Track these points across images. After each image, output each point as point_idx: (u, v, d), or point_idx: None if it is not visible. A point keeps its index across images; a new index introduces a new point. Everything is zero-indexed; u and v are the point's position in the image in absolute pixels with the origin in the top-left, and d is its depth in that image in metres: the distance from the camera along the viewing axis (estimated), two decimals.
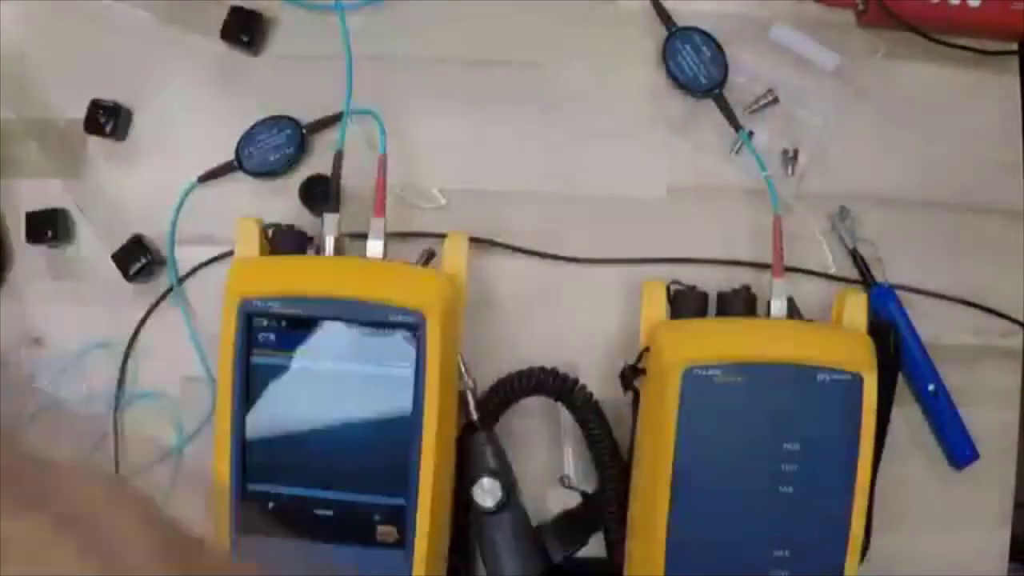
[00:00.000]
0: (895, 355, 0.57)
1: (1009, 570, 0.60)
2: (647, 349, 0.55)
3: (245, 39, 0.61)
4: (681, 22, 0.61)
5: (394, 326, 0.52)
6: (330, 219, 0.56)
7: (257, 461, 0.53)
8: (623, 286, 0.60)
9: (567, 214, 0.61)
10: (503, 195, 0.61)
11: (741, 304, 0.55)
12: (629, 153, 0.61)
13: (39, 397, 0.62)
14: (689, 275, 0.58)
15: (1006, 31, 0.61)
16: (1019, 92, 0.62)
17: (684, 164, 0.61)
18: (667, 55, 0.60)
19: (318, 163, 0.61)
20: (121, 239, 0.61)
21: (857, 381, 0.51)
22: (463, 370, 0.57)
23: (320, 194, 0.60)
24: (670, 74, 0.60)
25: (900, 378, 0.58)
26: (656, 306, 0.56)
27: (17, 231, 0.62)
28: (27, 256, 0.62)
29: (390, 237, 0.56)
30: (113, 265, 0.61)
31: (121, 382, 0.61)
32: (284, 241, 0.56)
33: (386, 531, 0.52)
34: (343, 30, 0.58)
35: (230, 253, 0.59)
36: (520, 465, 0.59)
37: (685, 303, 0.56)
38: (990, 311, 0.60)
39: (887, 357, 0.55)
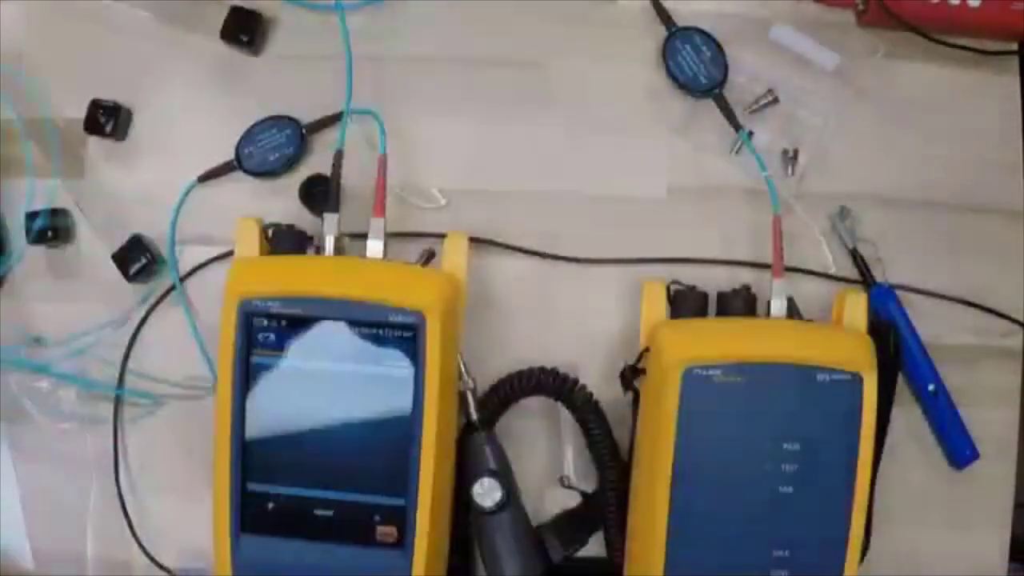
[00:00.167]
0: (895, 355, 0.57)
1: (1009, 570, 0.60)
2: (647, 349, 0.55)
3: (245, 39, 0.61)
4: (681, 22, 0.61)
5: (394, 326, 0.52)
6: (330, 219, 0.56)
7: (257, 461, 0.53)
8: (623, 286, 0.60)
9: (567, 214, 0.61)
10: (503, 195, 0.61)
11: (741, 304, 0.55)
12: (629, 153, 0.61)
13: (39, 397, 0.62)
14: (689, 275, 0.58)
15: (1006, 31, 0.61)
16: (1019, 92, 0.62)
17: (684, 164, 0.61)
18: (667, 55, 0.60)
19: (318, 163, 0.61)
20: (121, 239, 0.61)
21: (857, 381, 0.51)
22: (463, 370, 0.57)
23: (320, 194, 0.60)
24: (670, 74, 0.60)
25: (900, 378, 0.58)
26: (656, 306, 0.56)
27: (17, 231, 0.62)
28: (27, 256, 0.62)
29: (390, 237, 0.56)
30: (113, 265, 0.61)
31: (121, 382, 0.61)
32: (284, 241, 0.56)
33: (386, 531, 0.52)
34: (343, 30, 0.58)
35: (230, 253, 0.59)
36: (520, 465, 0.59)
37: (685, 303, 0.56)
38: (990, 311, 0.60)
39: (887, 357, 0.55)
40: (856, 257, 0.60)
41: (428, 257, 0.58)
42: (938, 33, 0.60)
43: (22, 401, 0.62)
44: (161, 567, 0.61)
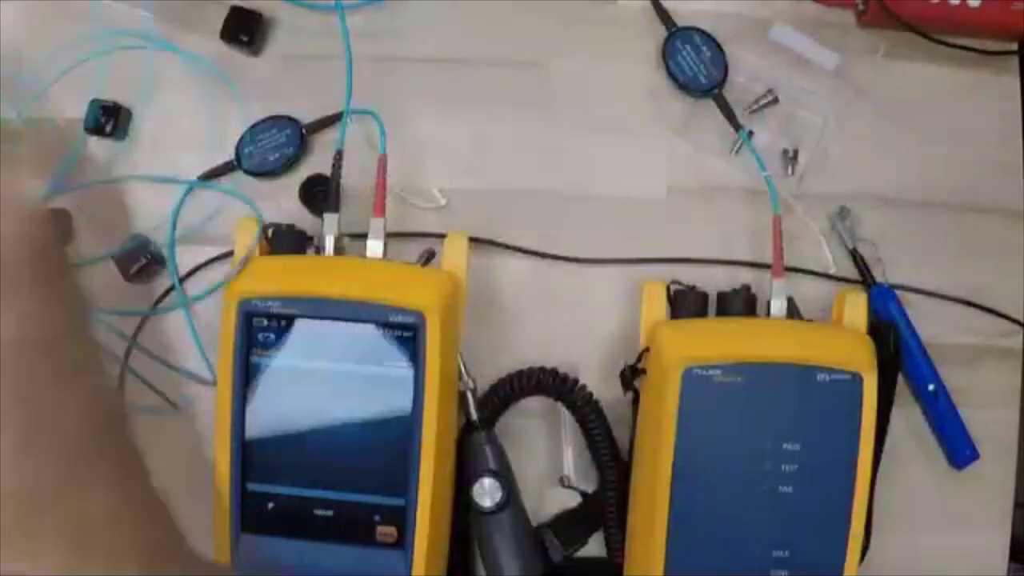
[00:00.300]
0: (895, 355, 0.57)
1: (1009, 570, 0.60)
2: (647, 349, 0.55)
3: (245, 39, 0.61)
4: (681, 22, 0.61)
5: (394, 326, 0.52)
6: (330, 219, 0.56)
7: (257, 461, 0.53)
8: (623, 286, 0.60)
9: (567, 214, 0.61)
10: (503, 195, 0.61)
11: (741, 304, 0.55)
12: (629, 153, 0.61)
13: None
14: (689, 275, 0.58)
15: (1006, 31, 0.61)
16: (1019, 92, 0.62)
17: (684, 164, 0.61)
18: (667, 55, 0.60)
19: (318, 163, 0.61)
20: (121, 239, 0.61)
21: (857, 381, 0.51)
22: (463, 370, 0.57)
23: (320, 194, 0.60)
24: (670, 74, 0.60)
25: (900, 378, 0.58)
26: (656, 306, 0.56)
27: None
28: None
29: (390, 237, 0.56)
30: (113, 265, 0.61)
31: (121, 382, 0.61)
32: (284, 241, 0.56)
33: (386, 531, 0.52)
34: (343, 30, 0.58)
35: (230, 253, 0.59)
36: (520, 465, 0.59)
37: (685, 303, 0.56)
38: (990, 311, 0.60)
39: (887, 357, 0.55)
40: (856, 257, 0.60)
41: (428, 257, 0.58)
42: (938, 33, 0.60)
43: None
44: None
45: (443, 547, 0.56)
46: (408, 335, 0.52)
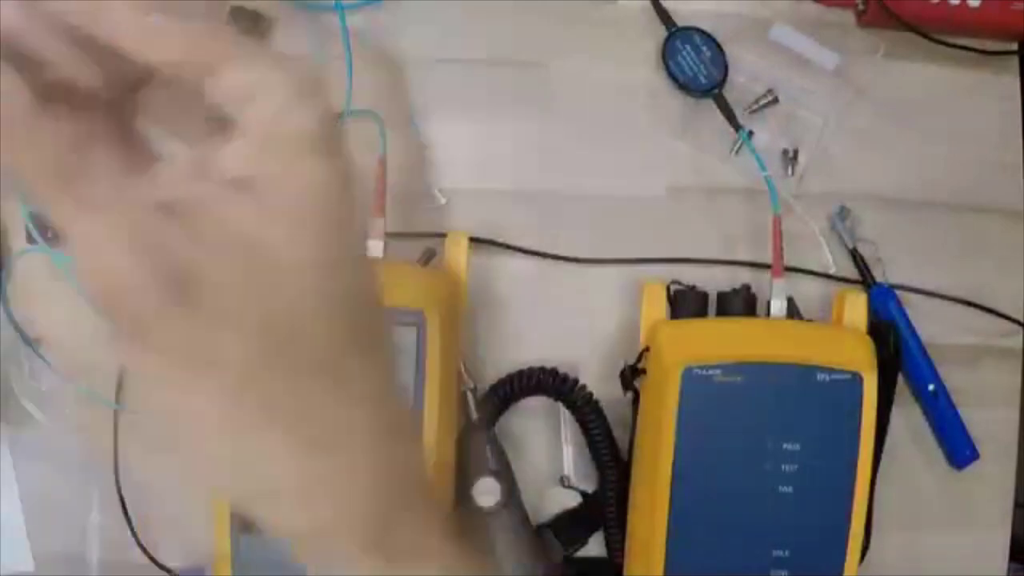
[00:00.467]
0: (895, 355, 0.57)
1: (1009, 570, 0.60)
2: (647, 349, 0.55)
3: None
4: (681, 22, 0.61)
5: (394, 326, 0.52)
6: None
7: None
8: (623, 286, 0.60)
9: (567, 214, 0.61)
10: (503, 195, 0.61)
11: (741, 304, 0.55)
12: (629, 153, 0.61)
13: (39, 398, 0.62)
14: (689, 275, 0.58)
15: (1006, 31, 0.61)
16: (1019, 92, 0.62)
17: (684, 164, 0.61)
18: (667, 55, 0.60)
19: None
20: None
21: (857, 381, 0.51)
22: (463, 370, 0.57)
23: None
24: (670, 74, 0.60)
25: (900, 378, 0.58)
26: (656, 306, 0.56)
27: (18, 232, 0.62)
28: (27, 256, 0.62)
29: (390, 237, 0.56)
30: None
31: (121, 382, 0.61)
32: None
33: None
34: (343, 30, 0.58)
35: None
36: (520, 465, 0.59)
37: (685, 303, 0.56)
38: (990, 311, 0.60)
39: (887, 357, 0.55)
40: (856, 257, 0.60)
41: (428, 257, 0.58)
42: (938, 33, 0.60)
43: (22, 402, 0.62)
44: (161, 567, 0.61)
45: None
46: (408, 335, 0.52)
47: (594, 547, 0.59)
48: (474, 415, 0.57)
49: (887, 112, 0.61)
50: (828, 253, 0.60)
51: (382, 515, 0.29)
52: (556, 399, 0.59)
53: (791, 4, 0.61)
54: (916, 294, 0.60)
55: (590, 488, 0.59)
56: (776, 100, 0.61)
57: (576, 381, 0.58)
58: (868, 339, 0.53)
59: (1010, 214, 0.61)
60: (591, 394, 0.58)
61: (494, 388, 0.59)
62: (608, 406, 0.58)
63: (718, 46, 0.60)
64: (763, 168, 0.58)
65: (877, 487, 0.56)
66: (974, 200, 0.61)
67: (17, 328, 0.60)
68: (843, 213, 0.60)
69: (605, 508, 0.58)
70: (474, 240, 0.58)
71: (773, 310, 0.55)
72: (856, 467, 0.51)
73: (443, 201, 0.61)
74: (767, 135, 0.61)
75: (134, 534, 0.61)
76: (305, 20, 0.62)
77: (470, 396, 0.57)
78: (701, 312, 0.56)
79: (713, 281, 0.58)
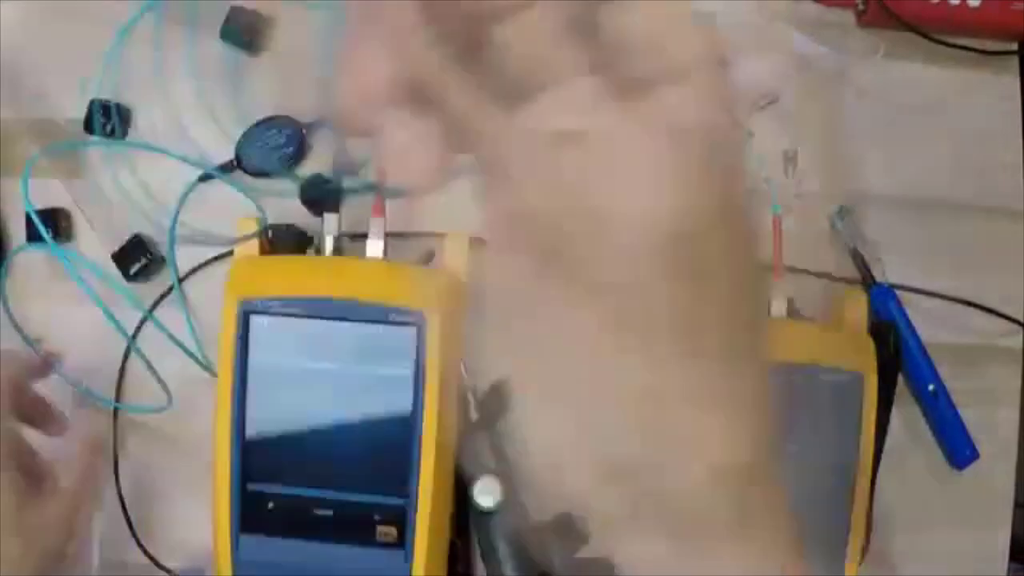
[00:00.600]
0: (895, 355, 0.57)
1: (1009, 570, 0.60)
2: None
3: (245, 39, 0.61)
4: None
5: (394, 326, 0.52)
6: (330, 219, 0.56)
7: (257, 461, 0.53)
8: None
9: None
10: None
11: None
12: None
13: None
14: None
15: (1006, 31, 0.61)
16: (1019, 92, 0.62)
17: None
18: None
19: (318, 163, 0.61)
20: (121, 239, 0.61)
21: (857, 381, 0.51)
22: (463, 370, 0.57)
23: (320, 194, 0.60)
24: None
25: (900, 378, 0.58)
26: None
27: (17, 231, 0.62)
28: (27, 256, 0.62)
29: (390, 237, 0.56)
30: (113, 265, 0.61)
31: (121, 382, 0.61)
32: (284, 241, 0.56)
33: (386, 531, 0.52)
34: (343, 30, 0.58)
35: (230, 253, 0.59)
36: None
37: None
38: (990, 311, 0.60)
39: (887, 357, 0.55)
40: (856, 257, 0.60)
41: (428, 257, 0.58)
42: (938, 33, 0.60)
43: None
44: (161, 567, 0.61)
45: (443, 547, 0.55)
46: (408, 335, 0.52)
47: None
48: (474, 415, 0.57)
49: (887, 112, 0.61)
50: (828, 253, 0.60)
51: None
52: None
53: (791, 4, 0.61)
54: (916, 294, 0.60)
55: None
56: (776, 100, 0.61)
57: None
58: (868, 339, 0.53)
59: (1010, 214, 0.61)
60: None
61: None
62: None
63: None
64: (763, 168, 0.58)
65: (877, 487, 0.56)
66: (974, 200, 0.61)
67: (16, 327, 0.60)
68: (843, 213, 0.60)
69: None
70: (474, 240, 0.58)
71: (773, 310, 0.55)
72: (856, 467, 0.51)
73: (443, 201, 0.61)
74: (767, 135, 0.61)
75: (134, 534, 0.61)
76: (305, 20, 0.62)
77: (470, 396, 0.57)
78: None
79: None
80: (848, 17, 0.61)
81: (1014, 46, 0.61)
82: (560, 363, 0.26)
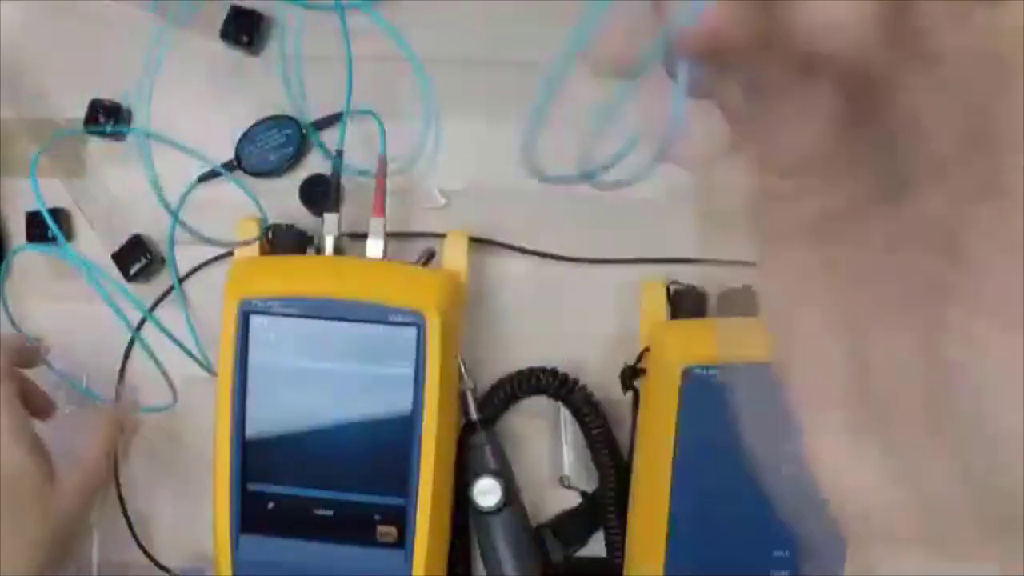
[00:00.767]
0: None
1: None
2: (647, 349, 0.55)
3: (245, 39, 0.61)
4: None
5: (394, 326, 0.52)
6: (330, 219, 0.56)
7: (257, 461, 0.53)
8: (623, 286, 0.60)
9: (567, 214, 0.61)
10: (503, 195, 0.61)
11: (741, 304, 0.55)
12: (629, 153, 0.61)
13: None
14: (689, 275, 0.58)
15: None
16: None
17: None
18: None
19: (318, 163, 0.61)
20: (121, 239, 0.61)
21: None
22: (463, 370, 0.57)
23: (320, 194, 0.60)
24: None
25: None
26: (656, 306, 0.56)
27: (18, 231, 0.62)
28: (27, 256, 0.62)
29: (390, 237, 0.56)
30: (113, 265, 0.61)
31: (121, 382, 0.61)
32: (284, 241, 0.56)
33: (386, 531, 0.52)
34: (343, 30, 0.58)
35: (230, 253, 0.59)
36: (520, 465, 0.59)
37: (685, 303, 0.56)
38: None
39: None
40: None
41: (428, 257, 0.58)
42: None
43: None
44: (161, 567, 0.61)
45: (443, 547, 0.56)
46: (408, 335, 0.52)
47: (594, 547, 0.59)
48: (474, 415, 0.57)
49: None
50: None
51: None
52: (556, 399, 0.59)
53: None
54: None
55: (590, 488, 0.59)
56: None
57: (576, 381, 0.58)
58: None
59: None
60: (591, 394, 0.58)
61: (494, 388, 0.59)
62: (608, 406, 0.58)
63: None
64: None
65: None
66: None
67: (16, 327, 0.60)
68: None
69: (605, 508, 0.58)
70: (474, 240, 0.58)
71: None
72: None
73: (443, 201, 0.61)
74: None
75: (134, 534, 0.61)
76: (305, 20, 0.62)
77: (470, 396, 0.57)
78: (701, 312, 0.56)
79: (713, 281, 0.58)
80: None
81: None
82: None
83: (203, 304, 0.61)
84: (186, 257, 0.61)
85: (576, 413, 0.58)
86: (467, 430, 0.57)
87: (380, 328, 0.52)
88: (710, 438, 0.51)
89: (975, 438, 0.20)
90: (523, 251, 0.61)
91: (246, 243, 0.56)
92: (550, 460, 0.60)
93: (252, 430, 0.53)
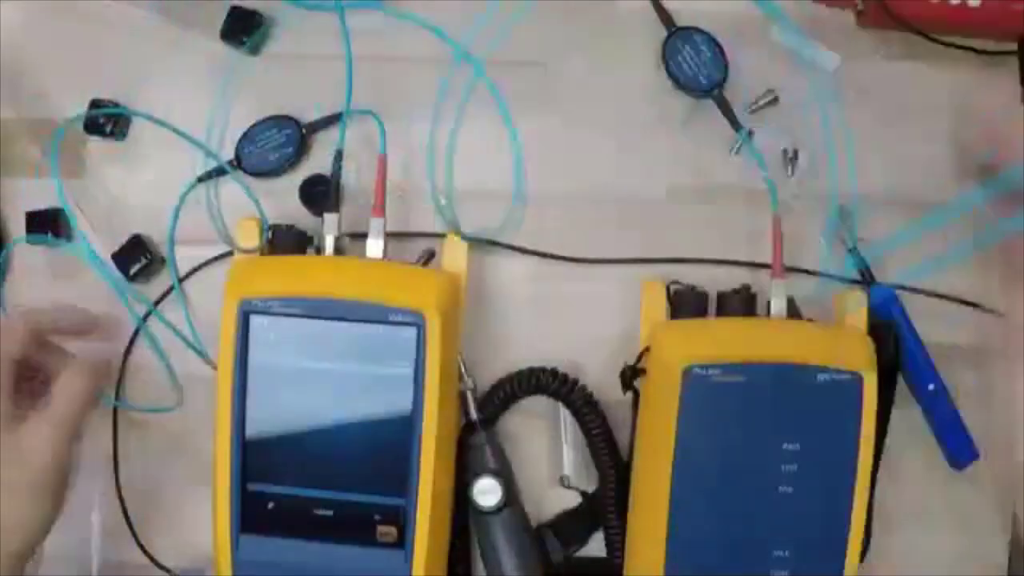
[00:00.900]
0: (895, 355, 0.57)
1: (1010, 571, 0.60)
2: (647, 349, 0.55)
3: (245, 39, 0.61)
4: (681, 22, 0.61)
5: (394, 326, 0.52)
6: (330, 219, 0.56)
7: (257, 461, 0.53)
8: (623, 286, 0.60)
9: (567, 214, 0.61)
10: (503, 195, 0.61)
11: (741, 304, 0.55)
12: (629, 153, 0.61)
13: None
14: (689, 275, 0.58)
15: (1006, 31, 0.60)
16: (1019, 92, 0.62)
17: (684, 164, 0.61)
18: (667, 55, 0.60)
19: (318, 163, 0.61)
20: (121, 239, 0.61)
21: (857, 381, 0.51)
22: (463, 370, 0.57)
23: (320, 194, 0.60)
24: (670, 74, 0.60)
25: (900, 378, 0.58)
26: (656, 306, 0.56)
27: (17, 231, 0.62)
28: (27, 256, 0.62)
29: (390, 237, 0.56)
30: (113, 265, 0.61)
31: (120, 382, 0.61)
32: (284, 241, 0.56)
33: (386, 531, 0.53)
34: (343, 30, 0.58)
35: (230, 253, 0.59)
36: (520, 465, 0.59)
37: (685, 303, 0.56)
38: (990, 311, 0.60)
39: (887, 357, 0.55)
40: (856, 257, 0.60)
41: (428, 257, 0.58)
42: (938, 33, 0.60)
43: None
44: (161, 567, 0.61)
45: (443, 547, 0.56)
46: (408, 335, 0.52)
47: (594, 547, 0.59)
48: (474, 415, 0.57)
49: (887, 112, 0.61)
50: (828, 253, 0.60)
51: None
52: (556, 399, 0.59)
53: (791, 4, 0.61)
54: (916, 294, 0.60)
55: (590, 488, 0.59)
56: (776, 100, 0.61)
57: (576, 381, 0.58)
58: (868, 339, 0.53)
59: None
60: (591, 394, 0.58)
61: (494, 388, 0.59)
62: (608, 406, 0.58)
63: (718, 46, 0.60)
64: (763, 168, 0.58)
65: (877, 487, 0.56)
66: (974, 199, 0.61)
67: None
68: (843, 213, 0.60)
69: (605, 508, 0.58)
70: (474, 240, 0.58)
71: (773, 310, 0.55)
72: (856, 467, 0.51)
73: (443, 201, 0.61)
74: (767, 135, 0.61)
75: (134, 534, 0.61)
76: (305, 20, 0.62)
77: (470, 396, 0.57)
78: (701, 312, 0.56)
79: (713, 281, 0.58)
80: (848, 17, 0.61)
81: (1014, 46, 0.61)
82: None
83: (203, 304, 0.61)
84: (186, 257, 0.61)
85: (576, 413, 0.58)
86: (467, 430, 0.58)
87: (380, 328, 0.52)
88: (710, 438, 0.51)
89: None
90: (523, 251, 0.61)
91: (248, 251, 0.56)
92: (550, 460, 0.60)
93: (252, 430, 0.53)
